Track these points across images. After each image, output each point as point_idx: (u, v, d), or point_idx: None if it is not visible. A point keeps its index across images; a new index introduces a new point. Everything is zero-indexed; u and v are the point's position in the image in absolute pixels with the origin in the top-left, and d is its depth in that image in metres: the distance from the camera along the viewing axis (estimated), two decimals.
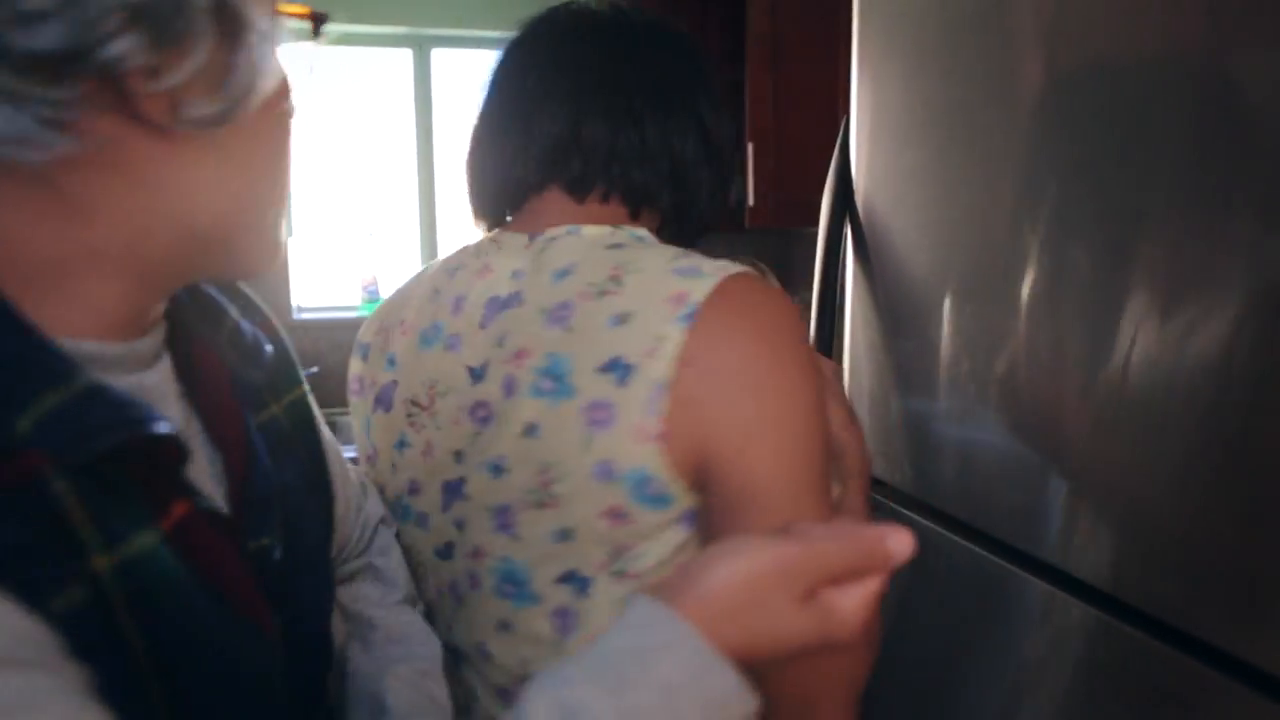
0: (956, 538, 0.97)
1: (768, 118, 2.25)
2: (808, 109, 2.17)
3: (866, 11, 1.10)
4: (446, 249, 1.28)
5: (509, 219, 0.78)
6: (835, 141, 2.05)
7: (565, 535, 0.65)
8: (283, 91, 0.50)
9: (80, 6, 0.38)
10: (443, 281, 0.76)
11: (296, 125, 0.53)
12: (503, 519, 0.67)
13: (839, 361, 1.15)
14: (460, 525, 0.71)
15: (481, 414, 0.68)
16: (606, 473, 0.62)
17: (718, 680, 0.41)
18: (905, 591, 1.04)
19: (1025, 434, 0.85)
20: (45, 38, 0.38)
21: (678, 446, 0.62)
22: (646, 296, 0.64)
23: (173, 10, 0.41)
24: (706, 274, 0.64)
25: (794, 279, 3.26)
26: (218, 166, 0.47)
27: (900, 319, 1.04)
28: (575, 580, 0.65)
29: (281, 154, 0.52)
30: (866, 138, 1.10)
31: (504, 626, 0.70)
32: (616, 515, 0.63)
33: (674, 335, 0.62)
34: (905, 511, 1.05)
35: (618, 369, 0.62)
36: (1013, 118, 0.85)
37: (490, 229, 0.79)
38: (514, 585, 0.68)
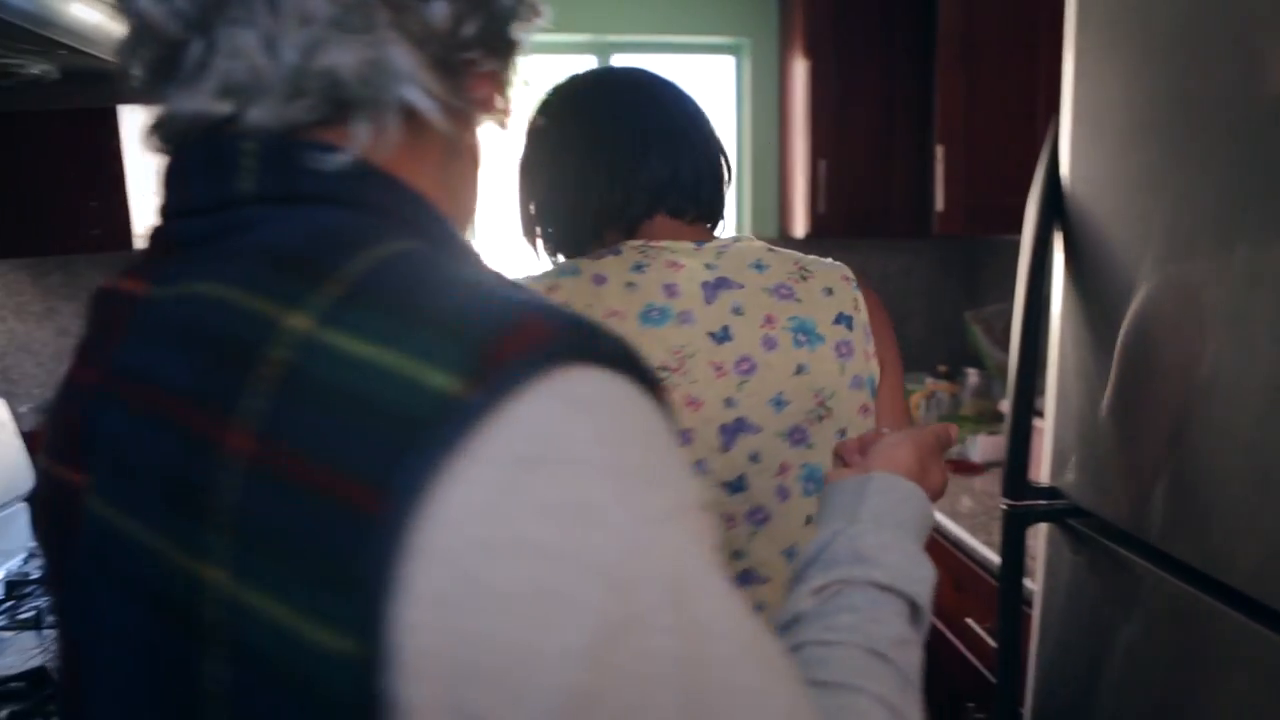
0: (1168, 575, 0.87)
1: (959, 120, 2.14)
2: (1002, 110, 2.04)
3: (1086, 3, 1.01)
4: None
5: (616, 239, 0.94)
6: (1032, 144, 1.93)
7: (842, 433, 0.93)
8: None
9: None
10: (633, 277, 0.91)
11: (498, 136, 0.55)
12: (797, 436, 0.91)
13: (1044, 381, 1.06)
14: (755, 456, 0.90)
15: (745, 366, 0.90)
16: (858, 383, 0.93)
17: (930, 513, 0.66)
18: (1116, 627, 0.95)
19: (1248, 468, 0.75)
20: (488, 21, 0.47)
21: (877, 361, 0.96)
22: (830, 277, 0.96)
23: (513, 15, 0.49)
24: (837, 262, 0.99)
25: (980, 289, 3.10)
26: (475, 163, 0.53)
27: (1117, 341, 0.94)
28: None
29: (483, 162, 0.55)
30: (1082, 140, 1.01)
31: (810, 519, 0.91)
32: (865, 409, 0.94)
33: (859, 298, 0.96)
34: (1116, 547, 0.96)
35: (843, 320, 0.93)
36: (1256, 116, 0.75)
37: (568, 253, 0.97)
38: (815, 483, 0.92)
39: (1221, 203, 0.80)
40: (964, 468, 2.24)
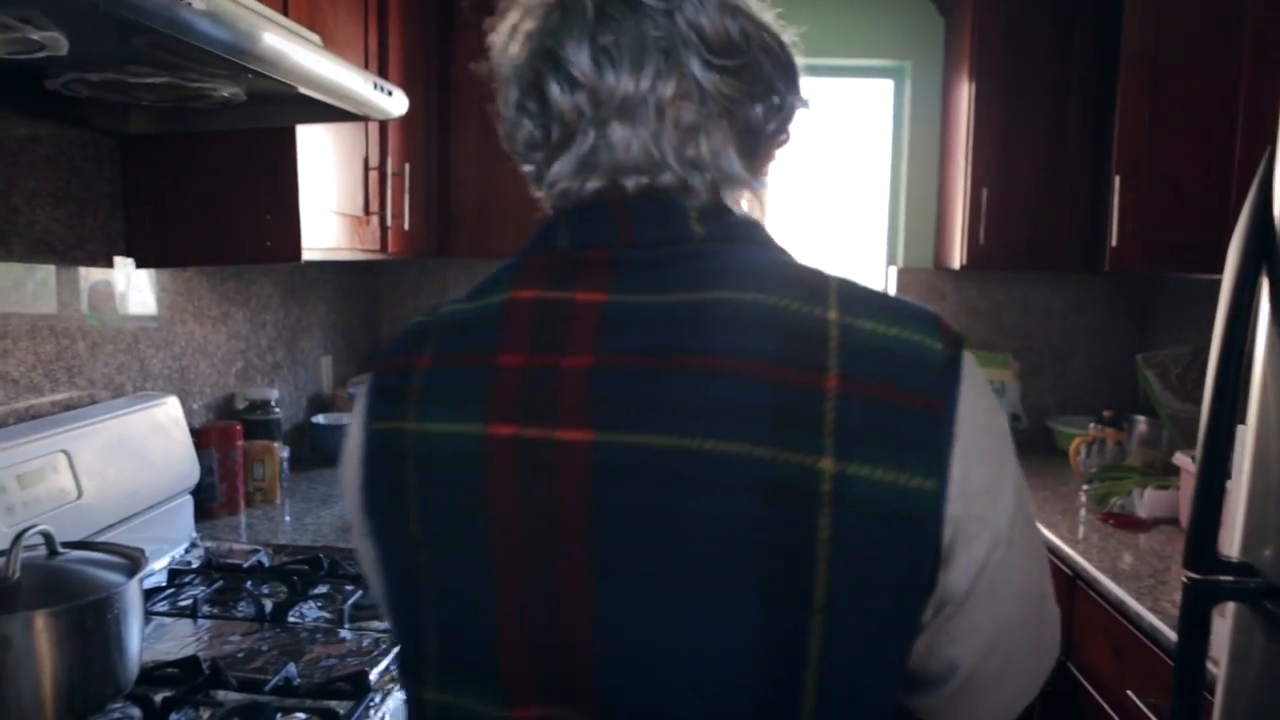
0: None
1: (1141, 149, 1.99)
2: (1192, 139, 1.89)
3: None
4: None
5: None
6: (1224, 177, 1.77)
7: None
8: None
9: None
10: None
11: None
12: None
13: (1233, 440, 0.96)
14: None
15: None
16: None
17: None
18: None
19: None
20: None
21: None
22: None
23: (796, 108, 0.71)
24: None
25: (1151, 330, 2.88)
26: None
27: None
28: None
29: None
30: None
31: None
32: None
33: None
34: None
35: None
36: None
37: None
38: None
39: None
40: (1128, 522, 2.07)
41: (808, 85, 0.71)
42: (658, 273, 0.61)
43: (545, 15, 0.65)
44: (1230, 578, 0.96)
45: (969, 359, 0.60)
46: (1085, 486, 2.34)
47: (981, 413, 0.59)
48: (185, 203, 1.68)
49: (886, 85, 3.03)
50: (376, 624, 1.41)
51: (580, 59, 0.62)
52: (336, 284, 2.74)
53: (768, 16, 0.67)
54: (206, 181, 1.66)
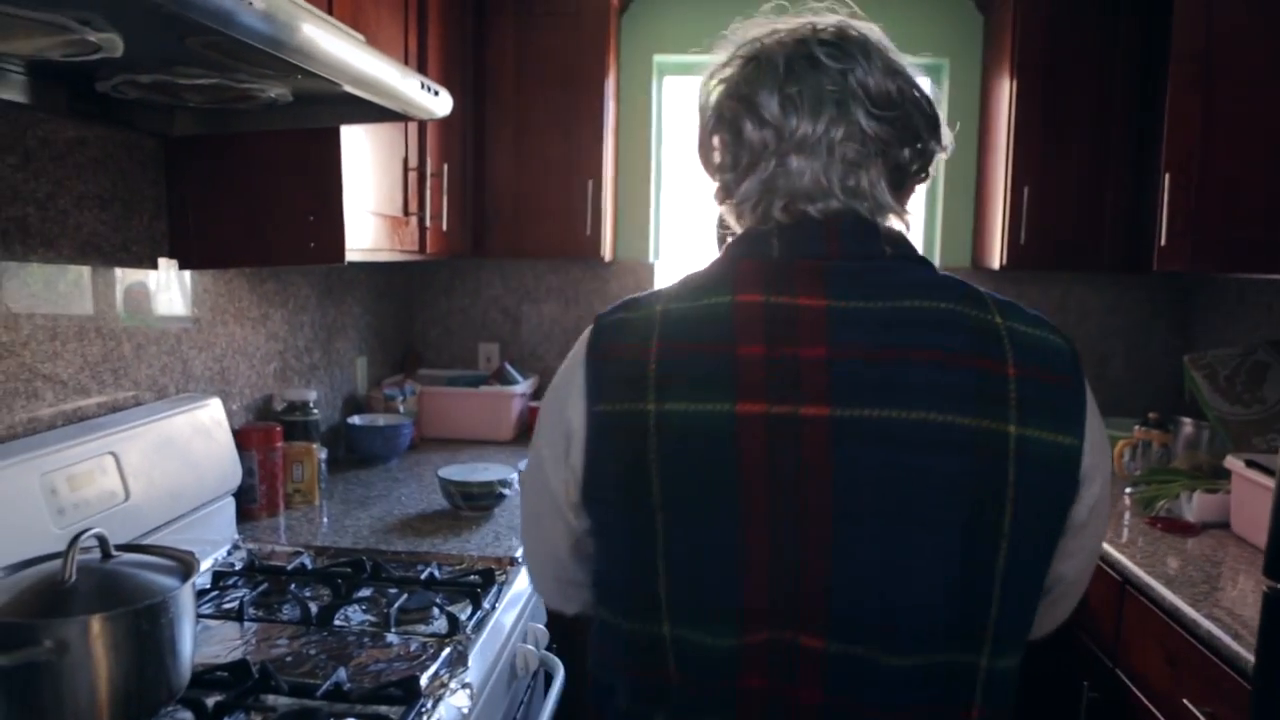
0: None
1: (1192, 148, 1.95)
2: (1243, 137, 1.85)
3: None
4: None
5: None
6: (1273, 175, 1.73)
7: None
8: None
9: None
10: None
11: None
12: None
13: None
14: None
15: None
16: None
17: None
18: None
19: None
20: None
21: None
22: None
23: (937, 152, 0.89)
24: None
25: (1194, 331, 2.83)
26: None
27: None
28: None
29: None
30: None
31: None
32: None
33: None
34: None
35: None
36: None
37: None
38: None
39: None
40: (1176, 526, 2.03)
41: (947, 133, 0.87)
42: (862, 282, 0.78)
43: (743, 66, 0.84)
44: None
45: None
46: (1129, 490, 2.30)
47: (1090, 389, 0.80)
48: (228, 204, 1.68)
49: (924, 83, 2.99)
50: (422, 628, 1.41)
51: (770, 104, 0.81)
52: (371, 285, 2.74)
53: (921, 79, 0.85)
54: (249, 183, 1.66)
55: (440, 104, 1.44)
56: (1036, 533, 0.76)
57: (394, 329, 2.96)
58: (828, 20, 0.84)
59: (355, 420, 2.48)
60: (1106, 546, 1.91)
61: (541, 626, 1.67)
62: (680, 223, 3.12)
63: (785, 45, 0.82)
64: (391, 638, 1.37)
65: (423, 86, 1.36)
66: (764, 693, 0.77)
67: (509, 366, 2.91)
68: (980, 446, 0.73)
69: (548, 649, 1.64)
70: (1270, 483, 1.78)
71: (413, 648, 1.34)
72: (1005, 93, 2.59)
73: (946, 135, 0.86)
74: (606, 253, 2.76)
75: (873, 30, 0.84)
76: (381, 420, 2.51)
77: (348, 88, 1.19)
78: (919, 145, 0.83)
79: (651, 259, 3.06)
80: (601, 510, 0.82)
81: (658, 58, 2.97)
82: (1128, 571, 1.81)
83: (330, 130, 1.61)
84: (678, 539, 0.77)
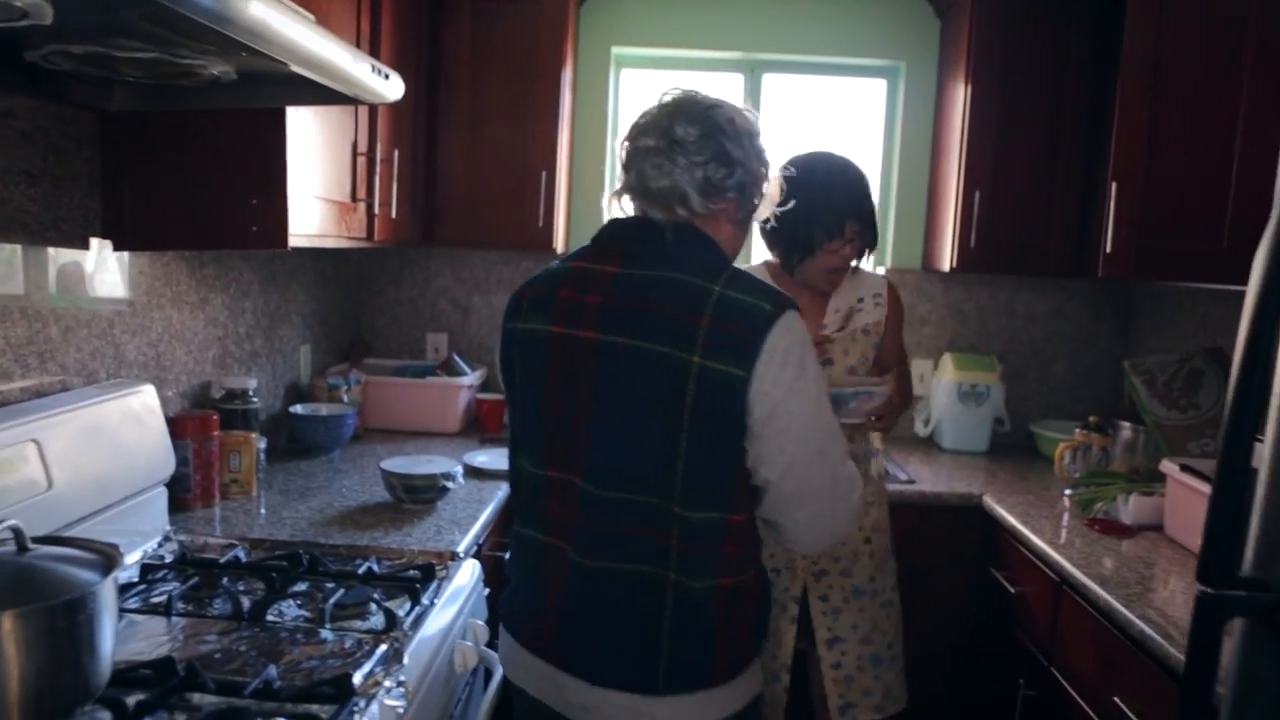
0: None
1: (1138, 156, 1.98)
2: (1189, 148, 1.88)
3: None
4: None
5: None
6: (1223, 186, 1.76)
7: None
8: None
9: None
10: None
11: None
12: None
13: (1261, 453, 0.94)
14: None
15: None
16: None
17: None
18: None
19: None
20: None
21: None
22: None
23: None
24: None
25: (1135, 337, 2.89)
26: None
27: None
28: None
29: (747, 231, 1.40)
30: None
31: None
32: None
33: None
34: None
35: None
36: None
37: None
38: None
39: None
40: (1112, 528, 2.07)
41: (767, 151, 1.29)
42: (640, 258, 1.22)
43: (634, 150, 1.26)
44: (1242, 592, 0.95)
45: (790, 317, 1.16)
46: (1069, 491, 2.34)
47: (781, 347, 1.14)
48: (167, 184, 1.62)
49: (880, 85, 3.01)
50: (359, 624, 1.37)
51: (641, 164, 1.25)
52: (317, 271, 2.68)
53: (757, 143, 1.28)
54: (190, 162, 1.60)
55: (391, 88, 1.40)
56: (707, 430, 1.14)
57: (340, 317, 2.90)
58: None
59: (297, 409, 2.43)
60: (1045, 546, 1.94)
61: (481, 623, 1.64)
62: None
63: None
64: (326, 634, 1.33)
65: (374, 70, 1.32)
66: (556, 515, 1.25)
67: (457, 357, 2.87)
68: (674, 368, 1.13)
69: (488, 646, 1.61)
70: (1204, 487, 1.82)
71: (348, 645, 1.30)
72: (960, 97, 2.61)
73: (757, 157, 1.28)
74: (559, 244, 2.73)
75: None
76: (324, 410, 2.46)
77: (296, 68, 1.15)
78: (728, 170, 1.24)
79: None
80: (506, 387, 1.34)
81: (616, 50, 2.95)
82: (1064, 571, 1.83)
83: (276, 111, 1.57)
84: (519, 402, 1.30)
